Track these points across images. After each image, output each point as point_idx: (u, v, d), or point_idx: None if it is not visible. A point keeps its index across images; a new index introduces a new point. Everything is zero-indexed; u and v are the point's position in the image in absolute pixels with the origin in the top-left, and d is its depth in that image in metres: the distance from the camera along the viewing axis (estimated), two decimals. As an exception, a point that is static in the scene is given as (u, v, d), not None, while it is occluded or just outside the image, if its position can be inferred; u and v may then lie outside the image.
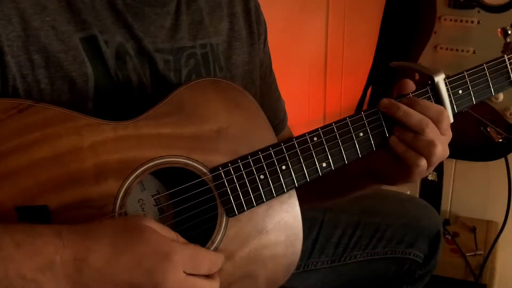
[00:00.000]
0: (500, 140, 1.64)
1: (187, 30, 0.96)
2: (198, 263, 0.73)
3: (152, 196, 0.89)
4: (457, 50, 1.66)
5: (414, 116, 0.89)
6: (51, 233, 0.68)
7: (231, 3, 1.04)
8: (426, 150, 0.88)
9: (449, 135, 0.92)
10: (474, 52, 1.65)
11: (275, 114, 1.15)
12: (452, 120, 0.94)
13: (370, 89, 1.87)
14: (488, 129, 1.64)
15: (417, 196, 2.01)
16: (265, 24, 1.12)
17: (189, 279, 0.72)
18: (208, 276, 0.75)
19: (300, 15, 2.02)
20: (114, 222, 0.74)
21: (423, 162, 0.89)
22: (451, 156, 0.94)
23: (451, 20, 1.65)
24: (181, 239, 0.76)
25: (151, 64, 0.90)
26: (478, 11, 1.61)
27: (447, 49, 1.68)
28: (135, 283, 0.69)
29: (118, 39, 0.86)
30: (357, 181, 1.05)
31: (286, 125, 1.21)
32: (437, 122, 0.89)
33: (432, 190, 1.97)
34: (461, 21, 1.64)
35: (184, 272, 0.71)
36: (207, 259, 0.75)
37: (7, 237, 0.66)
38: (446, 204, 2.08)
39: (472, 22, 1.62)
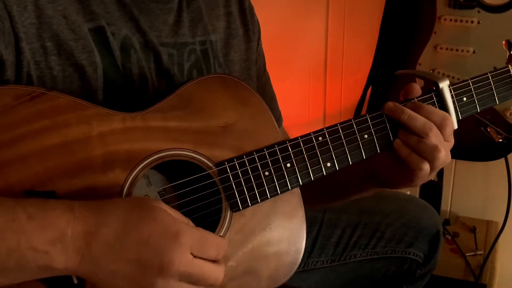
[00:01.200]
0: (500, 140, 1.64)
1: (188, 27, 0.98)
2: (206, 246, 0.73)
3: (159, 192, 0.89)
4: (457, 50, 1.67)
5: (419, 120, 0.90)
6: (63, 207, 0.69)
7: (228, 3, 1.07)
8: (429, 154, 0.89)
9: (451, 141, 0.93)
10: (474, 52, 1.65)
11: None
12: (456, 127, 0.95)
13: (370, 89, 1.88)
14: (488, 129, 1.65)
15: (417, 196, 2.02)
16: (258, 24, 1.14)
17: (196, 261, 0.72)
18: (214, 261, 0.75)
19: (300, 15, 2.02)
20: (125, 200, 0.75)
21: (426, 166, 0.90)
22: (451, 156, 0.94)
23: (451, 20, 1.65)
24: (191, 224, 0.76)
25: (156, 57, 0.92)
26: (478, 11, 1.62)
27: (447, 49, 1.68)
28: (142, 260, 0.69)
29: (124, 32, 0.88)
30: (359, 184, 1.05)
31: (281, 126, 1.21)
32: (441, 127, 0.90)
33: (432, 190, 1.98)
34: (461, 21, 1.64)
35: (192, 254, 0.71)
36: (214, 243, 0.75)
37: (19, 209, 0.67)
38: (446, 204, 2.08)
39: (472, 22, 1.63)
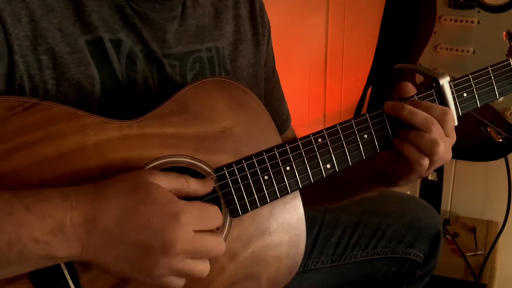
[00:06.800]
0: (500, 140, 1.64)
1: (193, 34, 0.96)
2: (206, 219, 0.74)
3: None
4: (457, 50, 1.67)
5: (420, 115, 0.89)
6: (59, 195, 0.69)
7: (237, 5, 1.04)
8: (429, 149, 0.88)
9: (453, 137, 0.92)
10: (474, 52, 1.65)
11: (277, 115, 1.15)
12: (456, 123, 0.94)
13: (370, 89, 1.87)
14: (488, 129, 1.65)
15: (417, 196, 2.02)
16: (269, 24, 1.11)
17: (198, 237, 0.72)
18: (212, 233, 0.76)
19: (300, 15, 2.02)
20: (121, 181, 0.73)
21: (426, 162, 0.89)
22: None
23: (451, 20, 1.65)
24: (191, 182, 0.77)
25: (159, 67, 0.90)
26: (478, 11, 1.62)
27: (447, 49, 1.68)
28: (144, 244, 0.70)
29: (127, 42, 0.86)
30: (362, 183, 1.05)
31: (289, 125, 1.20)
32: (442, 122, 0.89)
33: (432, 190, 1.98)
34: (461, 21, 1.64)
35: (193, 230, 0.72)
36: (212, 214, 0.75)
37: (15, 202, 0.67)
38: (446, 204, 2.08)
39: (472, 22, 1.63)
